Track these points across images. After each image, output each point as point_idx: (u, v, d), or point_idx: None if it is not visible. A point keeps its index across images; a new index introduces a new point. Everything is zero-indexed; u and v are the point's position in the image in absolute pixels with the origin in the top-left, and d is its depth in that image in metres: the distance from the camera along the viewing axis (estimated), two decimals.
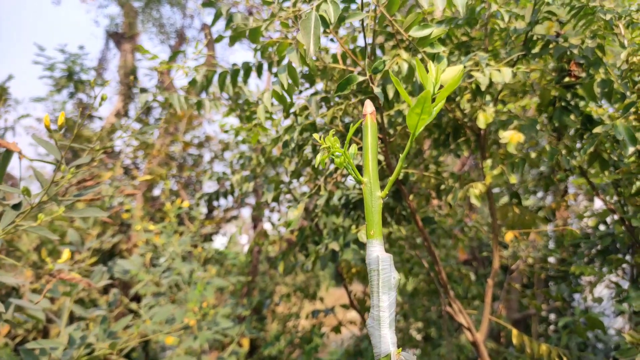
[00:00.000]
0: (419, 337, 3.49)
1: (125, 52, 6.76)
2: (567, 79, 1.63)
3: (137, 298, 3.59)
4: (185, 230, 2.48)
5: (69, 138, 5.41)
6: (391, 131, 1.42)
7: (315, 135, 0.58)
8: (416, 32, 1.16)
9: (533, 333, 3.91)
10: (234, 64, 1.69)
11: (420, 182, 1.53)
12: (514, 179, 1.44)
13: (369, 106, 0.61)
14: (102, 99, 1.29)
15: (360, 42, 2.13)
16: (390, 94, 1.44)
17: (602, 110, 1.73)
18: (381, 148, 1.37)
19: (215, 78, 1.76)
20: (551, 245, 2.83)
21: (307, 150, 1.73)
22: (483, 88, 1.24)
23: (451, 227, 2.42)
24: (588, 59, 1.54)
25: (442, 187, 1.61)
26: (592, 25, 1.49)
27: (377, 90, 1.05)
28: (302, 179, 2.07)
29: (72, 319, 3.37)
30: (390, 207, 1.73)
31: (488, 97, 1.45)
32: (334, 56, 1.71)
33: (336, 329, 2.34)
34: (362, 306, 2.09)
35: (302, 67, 1.42)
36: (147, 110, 5.66)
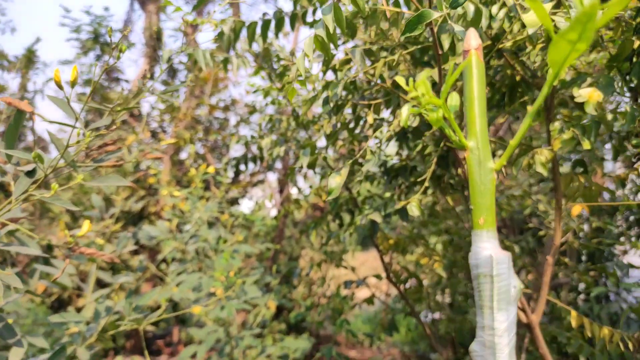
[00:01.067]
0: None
1: (150, 13, 6.53)
2: None
3: (165, 263, 3.51)
4: (212, 196, 2.34)
5: (96, 101, 5.30)
6: None
7: (400, 79, 0.39)
8: None
9: (563, 302, 3.72)
10: (265, 13, 1.48)
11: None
12: (587, 144, 1.23)
13: (472, 38, 0.41)
14: (121, 50, 1.11)
15: None
16: (446, 45, 1.22)
17: None
18: None
19: (244, 32, 1.56)
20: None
21: (347, 111, 1.53)
22: None
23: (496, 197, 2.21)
24: None
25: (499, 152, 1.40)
26: None
27: (457, 28, 0.84)
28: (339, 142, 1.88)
29: (101, 283, 3.32)
30: (437, 175, 1.53)
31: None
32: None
33: (369, 301, 2.20)
34: (398, 279, 1.93)
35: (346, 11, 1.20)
36: (173, 72, 5.48)
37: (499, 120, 1.46)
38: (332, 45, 0.98)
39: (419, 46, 1.19)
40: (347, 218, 1.57)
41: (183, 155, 5.55)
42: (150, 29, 6.51)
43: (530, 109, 0.36)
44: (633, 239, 2.96)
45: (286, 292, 2.89)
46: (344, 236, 1.46)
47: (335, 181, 1.01)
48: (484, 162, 0.40)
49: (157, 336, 4.74)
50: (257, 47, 1.90)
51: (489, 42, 1.29)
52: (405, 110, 0.39)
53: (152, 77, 6.27)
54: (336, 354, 2.88)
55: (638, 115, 1.28)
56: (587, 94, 1.16)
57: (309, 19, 1.45)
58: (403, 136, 1.38)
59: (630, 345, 1.44)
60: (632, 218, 2.75)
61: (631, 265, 2.15)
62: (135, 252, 3.27)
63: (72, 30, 5.97)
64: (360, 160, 1.18)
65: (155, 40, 5.91)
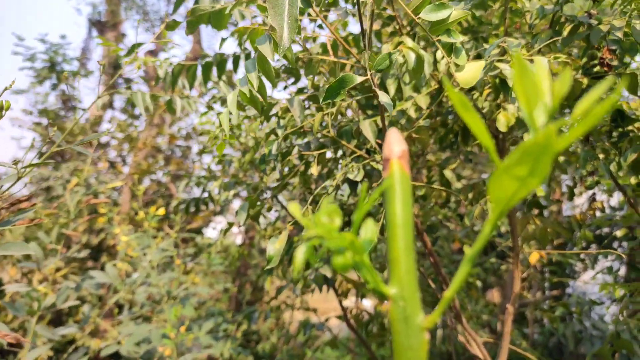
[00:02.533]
0: None
1: (109, 41, 6.29)
2: (597, 68, 1.33)
3: (120, 307, 3.28)
4: (165, 236, 2.18)
5: (52, 130, 5.04)
6: None
7: (294, 209, 0.28)
8: (429, 15, 0.85)
9: (529, 321, 3.68)
10: (204, 56, 1.37)
11: (429, 197, 1.24)
12: (541, 190, 1.15)
13: (395, 142, 0.31)
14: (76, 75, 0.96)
15: (352, 28, 1.80)
16: (392, 91, 1.13)
17: (635, 104, 1.44)
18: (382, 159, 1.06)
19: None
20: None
21: (294, 154, 1.42)
22: (511, 82, 0.93)
23: (454, 232, 2.14)
24: (621, 45, 1.24)
25: (453, 199, 1.32)
26: (633, 3, 1.19)
27: (382, 96, 0.74)
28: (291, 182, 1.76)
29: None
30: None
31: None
32: (324, 45, 1.39)
33: (332, 344, 2.07)
34: (357, 323, 1.81)
35: (279, 60, 1.09)
36: (132, 102, 5.25)
37: (451, 165, 1.37)
38: (260, 97, 0.87)
39: (364, 95, 1.09)
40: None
41: (146, 183, 5.32)
42: (109, 57, 6.29)
43: (468, 252, 0.24)
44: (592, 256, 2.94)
45: (243, 342, 2.72)
46: (296, 289, 1.33)
47: (274, 247, 0.89)
48: (411, 317, 0.28)
49: None
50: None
51: (437, 86, 1.21)
52: (300, 254, 0.27)
53: (111, 106, 6.04)
54: None
55: (590, 158, 1.22)
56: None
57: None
58: (352, 183, 1.27)
59: None
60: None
61: (593, 302, 2.10)
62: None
63: (26, 58, 5.69)
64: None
65: (113, 68, 5.70)
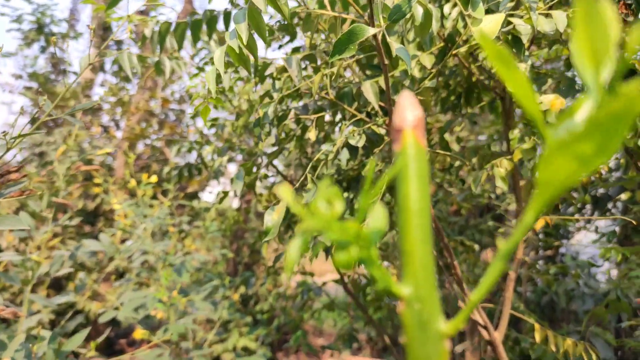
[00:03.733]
0: None
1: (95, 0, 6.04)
2: None
3: (121, 275, 3.27)
4: (159, 205, 2.13)
5: (43, 94, 4.90)
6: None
7: (284, 192, 0.23)
8: None
9: (523, 281, 3.71)
10: (193, 13, 1.28)
11: (432, 162, 1.19)
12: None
13: (408, 108, 0.25)
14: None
15: None
16: (394, 48, 1.06)
17: None
18: (384, 122, 1.00)
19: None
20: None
21: (290, 118, 1.35)
22: (525, 40, 0.86)
23: (453, 195, 2.09)
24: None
25: (457, 164, 1.26)
26: None
27: (397, 46, 0.67)
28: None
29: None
30: (390, 185, 1.38)
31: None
32: (320, 2, 1.30)
33: (329, 307, 2.07)
34: (355, 287, 1.79)
35: (272, 17, 1.01)
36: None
37: (456, 128, 1.31)
38: (250, 55, 0.80)
39: (365, 54, 1.02)
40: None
41: (140, 147, 5.23)
42: (98, 17, 6.07)
43: (503, 247, 0.19)
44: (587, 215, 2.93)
45: (240, 307, 2.72)
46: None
47: (272, 219, 0.84)
48: (428, 322, 0.24)
49: (118, 335, 4.52)
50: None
51: (442, 45, 1.13)
52: (293, 251, 0.22)
53: (102, 68, 5.87)
54: (305, 344, 2.76)
55: None
56: (549, 102, 1.02)
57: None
58: (352, 149, 1.21)
59: (594, 357, 1.35)
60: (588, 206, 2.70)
61: (591, 264, 2.09)
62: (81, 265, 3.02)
63: (13, 20, 5.48)
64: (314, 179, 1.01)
65: (103, 30, 5.50)
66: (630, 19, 1.23)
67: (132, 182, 1.88)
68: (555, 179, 0.18)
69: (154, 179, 1.87)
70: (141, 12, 4.98)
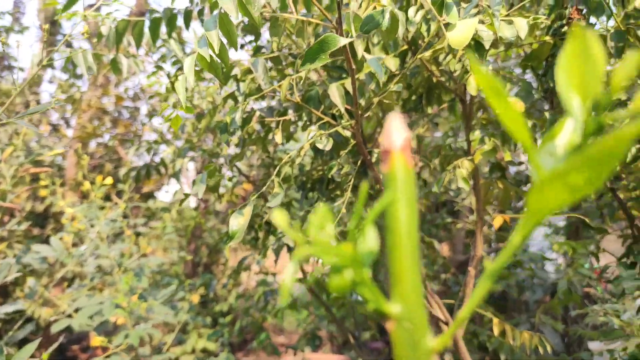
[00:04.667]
0: None
1: None
2: (565, 29, 1.31)
3: (72, 279, 3.14)
4: (113, 206, 2.06)
5: None
6: (362, 102, 1.06)
7: (279, 217, 0.22)
8: None
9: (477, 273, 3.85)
10: (152, 11, 1.24)
11: None
12: (508, 155, 1.14)
13: (395, 130, 0.25)
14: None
15: None
16: (360, 51, 1.07)
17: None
18: (351, 125, 1.01)
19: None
20: None
21: (255, 116, 1.33)
22: (487, 45, 0.88)
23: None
24: (588, 4, 1.22)
25: (421, 164, 1.29)
26: None
27: (370, 58, 0.68)
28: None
29: None
30: (355, 185, 1.40)
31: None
32: (283, 2, 1.29)
33: (292, 306, 2.07)
34: (317, 285, 1.80)
35: (242, 18, 1.00)
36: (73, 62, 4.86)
37: (418, 129, 1.34)
38: (221, 62, 0.79)
39: (332, 59, 1.02)
40: (263, 238, 1.40)
41: (93, 146, 5.03)
42: (46, 10, 5.78)
43: (490, 267, 0.20)
44: None
45: (202, 311, 2.67)
46: (259, 259, 1.29)
47: (238, 223, 0.83)
48: (418, 340, 0.24)
49: (71, 341, 4.34)
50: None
51: (405, 47, 1.15)
52: (288, 277, 0.22)
53: (50, 64, 5.58)
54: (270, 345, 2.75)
55: (557, 121, 1.22)
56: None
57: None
58: (317, 150, 1.22)
59: (549, 348, 1.42)
60: None
61: (544, 258, 2.18)
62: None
63: None
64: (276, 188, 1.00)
65: (51, 24, 5.24)
66: (582, 23, 1.30)
67: (86, 185, 1.81)
68: (546, 207, 0.19)
69: (109, 180, 1.81)
70: (91, 7, 4.78)
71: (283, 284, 0.23)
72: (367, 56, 0.69)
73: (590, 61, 0.18)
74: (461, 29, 0.75)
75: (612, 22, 1.27)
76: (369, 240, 0.25)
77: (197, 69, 0.96)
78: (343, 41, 0.63)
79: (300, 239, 0.22)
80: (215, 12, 0.71)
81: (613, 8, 1.34)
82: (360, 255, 0.23)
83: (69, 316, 1.97)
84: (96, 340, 1.70)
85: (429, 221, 3.44)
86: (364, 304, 3.26)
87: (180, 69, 1.12)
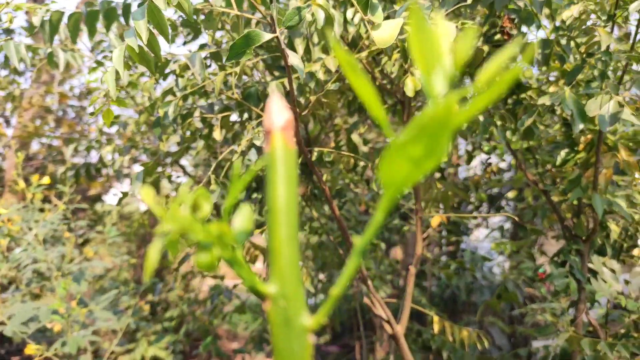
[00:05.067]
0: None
1: None
2: (498, 36, 1.37)
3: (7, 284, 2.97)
4: (52, 208, 1.97)
5: None
6: (302, 100, 1.07)
7: (146, 195, 0.22)
8: None
9: (427, 276, 3.94)
10: (89, 3, 1.20)
11: (337, 162, 1.22)
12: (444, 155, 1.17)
13: (276, 111, 0.26)
14: None
15: None
16: (300, 51, 1.08)
17: (529, 72, 1.51)
18: None
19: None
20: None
21: (196, 116, 1.31)
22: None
23: (361, 195, 2.17)
24: (520, 14, 1.28)
25: (362, 164, 1.31)
26: None
27: (293, 56, 0.68)
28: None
29: None
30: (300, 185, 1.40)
31: None
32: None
33: (240, 310, 2.04)
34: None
35: (177, 12, 0.99)
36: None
37: (360, 130, 1.36)
38: (151, 53, 0.77)
39: (271, 55, 1.02)
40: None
41: (35, 147, 4.80)
42: None
43: (358, 243, 0.20)
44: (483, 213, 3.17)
45: (147, 315, 2.60)
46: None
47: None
48: (293, 318, 0.24)
49: (10, 352, 4.12)
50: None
51: (345, 48, 1.16)
52: (153, 255, 0.21)
53: None
54: (216, 349, 2.70)
55: (490, 125, 1.27)
56: None
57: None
58: (259, 149, 1.21)
59: (486, 343, 1.47)
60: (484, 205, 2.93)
61: (484, 259, 2.26)
62: None
63: None
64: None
65: None
66: (514, 32, 1.36)
67: (21, 184, 1.72)
68: (394, 180, 0.20)
69: (46, 180, 1.73)
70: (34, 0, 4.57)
71: (148, 260, 0.22)
72: (290, 54, 0.70)
73: (429, 40, 0.19)
74: (386, 29, 0.76)
75: (542, 32, 1.34)
76: (244, 219, 0.25)
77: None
78: (267, 36, 0.63)
79: (165, 215, 0.22)
80: (145, 2, 0.70)
81: (544, 20, 1.41)
82: (229, 233, 0.23)
83: (2, 323, 1.87)
84: (30, 348, 1.62)
85: (382, 225, 3.49)
86: (319, 308, 3.26)
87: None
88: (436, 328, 1.43)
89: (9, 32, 5.01)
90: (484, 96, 0.19)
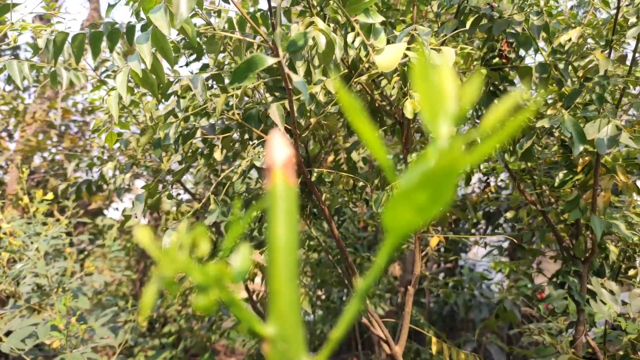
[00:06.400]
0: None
1: None
2: (496, 60, 1.38)
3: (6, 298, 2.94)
4: (54, 223, 1.96)
5: None
6: (302, 122, 1.07)
7: (142, 236, 0.22)
8: None
9: (426, 293, 3.91)
10: (93, 25, 1.21)
11: (337, 183, 1.22)
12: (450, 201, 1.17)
13: (277, 148, 0.25)
14: None
15: (262, 4, 1.72)
16: (301, 73, 1.08)
17: (527, 95, 1.52)
18: (290, 143, 1.01)
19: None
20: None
21: (197, 137, 1.31)
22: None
23: (360, 214, 2.16)
24: (518, 38, 1.29)
25: (361, 184, 1.30)
26: None
27: (296, 79, 0.68)
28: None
29: None
30: (300, 204, 1.39)
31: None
32: (230, 21, 1.29)
33: (238, 327, 2.02)
34: (263, 305, 1.77)
35: (174, 34, 0.99)
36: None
37: (359, 150, 1.36)
38: (155, 77, 0.77)
39: (272, 77, 1.02)
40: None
41: (37, 161, 4.79)
42: None
43: (360, 286, 0.19)
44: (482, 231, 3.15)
45: (146, 332, 2.57)
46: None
47: (170, 241, 0.81)
48: (292, 358, 0.23)
49: None
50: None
51: (346, 71, 1.17)
52: (150, 293, 0.21)
53: None
54: None
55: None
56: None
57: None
58: (260, 169, 1.21)
59: None
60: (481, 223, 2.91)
61: (483, 277, 2.24)
62: None
63: None
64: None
65: None
66: (512, 55, 1.37)
67: (25, 199, 1.71)
68: (398, 226, 0.19)
69: (50, 196, 1.72)
70: (41, 19, 4.62)
71: (144, 301, 0.22)
72: (293, 77, 0.70)
73: (433, 86, 0.19)
74: (389, 53, 0.77)
75: (540, 57, 1.34)
76: (243, 259, 0.24)
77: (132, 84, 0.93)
78: (270, 61, 0.63)
79: (161, 257, 0.21)
80: (150, 28, 0.70)
81: (541, 43, 1.42)
82: (227, 274, 0.23)
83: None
84: None
85: (381, 241, 3.48)
86: (319, 325, 3.22)
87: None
88: (434, 349, 1.41)
89: (14, 49, 5.04)
90: (490, 141, 0.18)
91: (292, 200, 0.25)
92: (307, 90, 0.68)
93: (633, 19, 1.18)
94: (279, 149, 0.25)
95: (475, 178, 3.08)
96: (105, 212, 4.75)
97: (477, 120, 1.45)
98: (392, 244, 0.21)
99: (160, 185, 1.39)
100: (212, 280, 0.22)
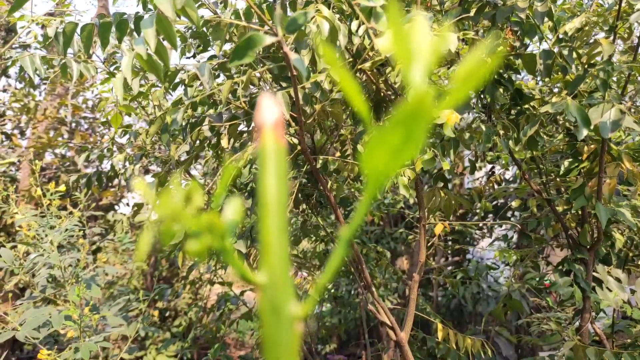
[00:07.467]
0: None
1: None
2: (501, 48, 1.38)
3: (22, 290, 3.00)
4: (67, 216, 1.99)
5: None
6: (308, 109, 1.08)
7: (139, 186, 0.23)
8: None
9: (434, 285, 3.91)
10: (102, 15, 1.23)
11: (342, 170, 1.23)
12: (447, 164, 1.18)
13: (267, 109, 0.27)
14: None
15: None
16: (306, 61, 1.09)
17: (532, 84, 1.51)
18: (295, 131, 1.02)
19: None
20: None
21: (205, 125, 1.33)
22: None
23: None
24: (522, 26, 1.29)
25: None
26: None
27: (294, 57, 0.69)
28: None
29: None
30: (306, 193, 1.41)
31: None
32: (236, 12, 1.30)
33: (247, 316, 2.04)
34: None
35: (187, 25, 1.01)
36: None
37: (365, 139, 1.37)
38: (160, 61, 0.79)
39: (277, 64, 1.04)
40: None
41: (48, 158, 4.85)
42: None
43: (344, 233, 0.21)
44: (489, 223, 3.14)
45: (157, 321, 2.61)
46: (210, 265, 1.27)
47: (142, 243, 0.82)
48: (281, 306, 0.25)
49: (21, 358, 4.14)
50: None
51: (350, 59, 1.18)
52: (144, 241, 0.22)
53: (4, 73, 5.40)
54: (224, 356, 2.69)
55: (493, 135, 1.27)
56: (446, 116, 1.10)
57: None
58: None
59: (489, 352, 1.46)
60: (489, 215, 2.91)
61: (489, 267, 2.24)
62: None
63: None
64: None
65: (6, 31, 5.07)
66: (517, 43, 1.37)
67: (38, 192, 1.75)
68: (376, 169, 0.21)
69: (62, 188, 1.75)
70: (51, 15, 4.66)
71: (139, 246, 0.23)
72: (291, 55, 0.71)
73: (405, 38, 0.20)
74: (390, 36, 0.77)
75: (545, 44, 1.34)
76: (233, 210, 0.26)
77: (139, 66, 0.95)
78: (268, 39, 0.64)
79: (155, 203, 0.23)
80: (154, 11, 0.71)
81: (548, 34, 1.42)
82: (220, 223, 0.24)
83: (13, 329, 1.88)
84: (42, 354, 1.63)
85: (388, 234, 3.48)
86: (327, 317, 3.24)
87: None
88: (440, 335, 1.42)
89: (25, 46, 5.12)
90: (460, 88, 0.19)
91: (282, 158, 0.26)
92: (304, 67, 0.69)
93: (639, 5, 1.17)
94: (268, 109, 0.27)
95: (483, 172, 3.07)
96: (116, 207, 4.81)
97: (482, 110, 1.45)
98: (373, 188, 0.22)
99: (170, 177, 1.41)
100: (205, 227, 0.23)
